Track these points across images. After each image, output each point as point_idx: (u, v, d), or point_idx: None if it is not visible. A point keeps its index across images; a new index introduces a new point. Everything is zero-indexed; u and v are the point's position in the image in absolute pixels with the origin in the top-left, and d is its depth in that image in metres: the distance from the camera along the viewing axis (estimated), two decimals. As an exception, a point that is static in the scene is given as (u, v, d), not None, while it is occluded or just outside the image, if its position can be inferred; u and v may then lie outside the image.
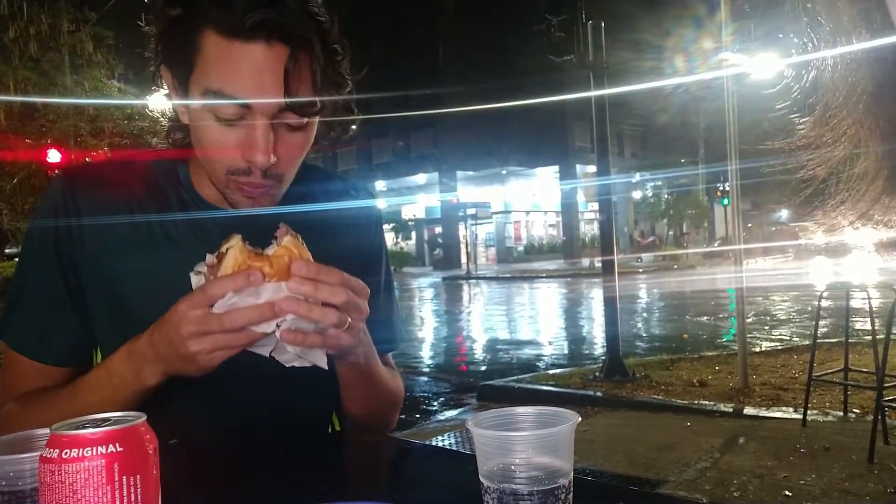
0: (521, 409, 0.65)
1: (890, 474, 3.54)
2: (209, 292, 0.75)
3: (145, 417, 0.59)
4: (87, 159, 12.40)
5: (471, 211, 30.11)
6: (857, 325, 7.52)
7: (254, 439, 0.99)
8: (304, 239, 0.80)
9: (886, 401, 3.91)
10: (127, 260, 0.96)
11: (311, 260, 0.78)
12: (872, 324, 4.21)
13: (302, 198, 1.02)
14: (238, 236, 0.78)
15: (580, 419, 0.63)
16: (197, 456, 0.88)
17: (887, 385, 3.93)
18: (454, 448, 4.57)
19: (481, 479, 0.62)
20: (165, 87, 0.94)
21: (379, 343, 1.01)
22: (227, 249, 0.77)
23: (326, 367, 0.83)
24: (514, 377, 6.73)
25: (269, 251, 0.77)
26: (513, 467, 0.60)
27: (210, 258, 0.79)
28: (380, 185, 35.73)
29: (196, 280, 0.79)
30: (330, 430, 1.14)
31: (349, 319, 0.80)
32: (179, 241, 0.97)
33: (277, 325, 0.77)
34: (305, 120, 0.88)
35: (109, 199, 0.97)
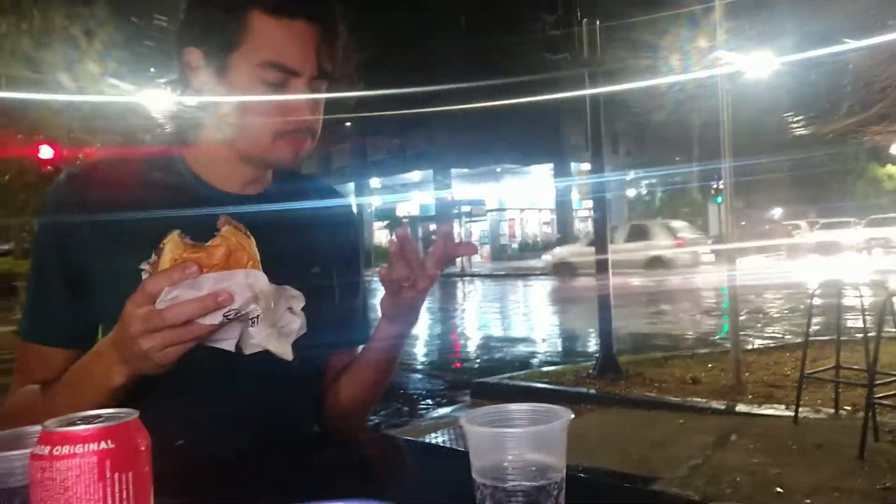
0: (514, 406, 0.65)
1: (880, 471, 3.56)
2: (147, 289, 0.76)
3: (138, 414, 0.59)
4: (80, 156, 12.35)
5: (465, 208, 30.01)
6: (850, 323, 7.55)
7: (244, 439, 1.00)
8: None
9: (877, 398, 3.94)
10: (133, 254, 0.97)
11: (253, 250, 0.80)
12: (864, 321, 4.23)
13: (278, 198, 1.08)
14: (175, 231, 0.79)
15: (573, 416, 0.63)
16: (192, 454, 0.88)
17: (878, 382, 3.96)
18: (448, 445, 4.58)
19: (474, 475, 0.62)
20: (187, 69, 0.99)
21: (351, 337, 1.12)
22: (164, 245, 0.78)
23: (290, 359, 0.84)
24: (508, 374, 6.74)
25: (211, 243, 0.78)
26: (505, 464, 0.60)
27: (153, 256, 0.79)
28: (375, 182, 35.64)
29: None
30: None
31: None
32: (183, 229, 0.98)
33: (225, 316, 0.76)
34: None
35: (112, 193, 1.00)
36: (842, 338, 4.64)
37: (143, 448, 0.57)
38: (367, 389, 1.14)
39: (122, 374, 0.83)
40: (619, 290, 8.18)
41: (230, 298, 0.75)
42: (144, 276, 0.79)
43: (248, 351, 0.82)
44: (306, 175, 1.23)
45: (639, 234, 19.31)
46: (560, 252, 20.50)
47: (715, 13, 6.62)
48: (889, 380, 4.18)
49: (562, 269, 19.47)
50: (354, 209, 1.28)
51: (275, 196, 1.08)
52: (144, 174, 1.03)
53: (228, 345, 0.81)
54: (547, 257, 21.02)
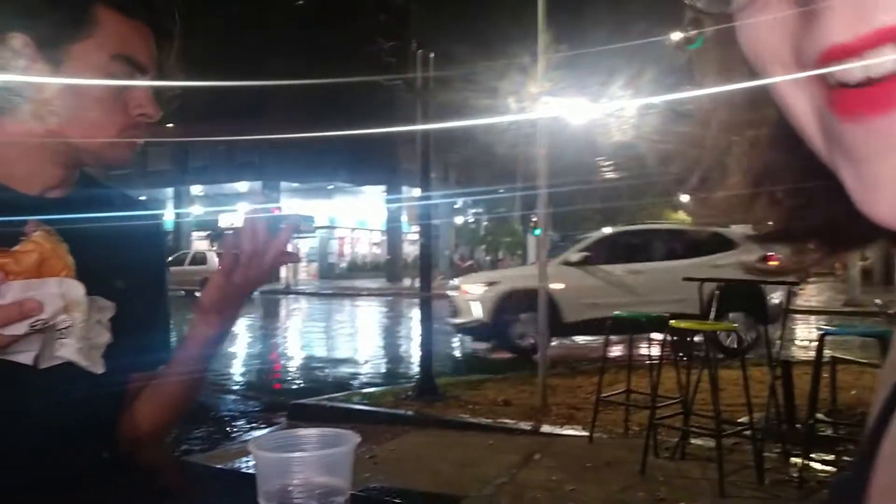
0: (303, 431, 0.66)
1: (657, 484, 3.98)
2: None
3: None
4: None
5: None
6: (642, 351, 8.38)
7: (29, 468, 0.91)
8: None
9: (658, 419, 4.41)
10: None
11: (68, 258, 0.75)
12: (655, 350, 4.72)
13: (81, 205, 1.01)
14: None
15: (360, 439, 0.65)
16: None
17: (659, 405, 4.44)
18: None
19: (260, 500, 0.62)
20: (6, 53, 0.91)
21: (152, 357, 1.07)
22: None
23: (100, 372, 0.79)
24: (327, 396, 6.65)
25: (19, 248, 0.73)
26: (290, 488, 0.60)
27: None
28: (196, 189, 33.76)
29: None
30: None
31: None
32: None
33: (32, 327, 0.71)
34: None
35: None
36: (634, 364, 5.16)
37: None
38: (169, 410, 1.09)
39: None
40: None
41: (38, 308, 0.70)
42: None
43: (45, 364, 0.75)
44: (109, 184, 1.17)
45: (199, 260, 24.27)
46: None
47: (540, 63, 7.14)
48: (668, 403, 4.70)
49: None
50: (172, 217, 1.25)
51: (78, 203, 1.01)
52: None
53: (26, 358, 0.74)
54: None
